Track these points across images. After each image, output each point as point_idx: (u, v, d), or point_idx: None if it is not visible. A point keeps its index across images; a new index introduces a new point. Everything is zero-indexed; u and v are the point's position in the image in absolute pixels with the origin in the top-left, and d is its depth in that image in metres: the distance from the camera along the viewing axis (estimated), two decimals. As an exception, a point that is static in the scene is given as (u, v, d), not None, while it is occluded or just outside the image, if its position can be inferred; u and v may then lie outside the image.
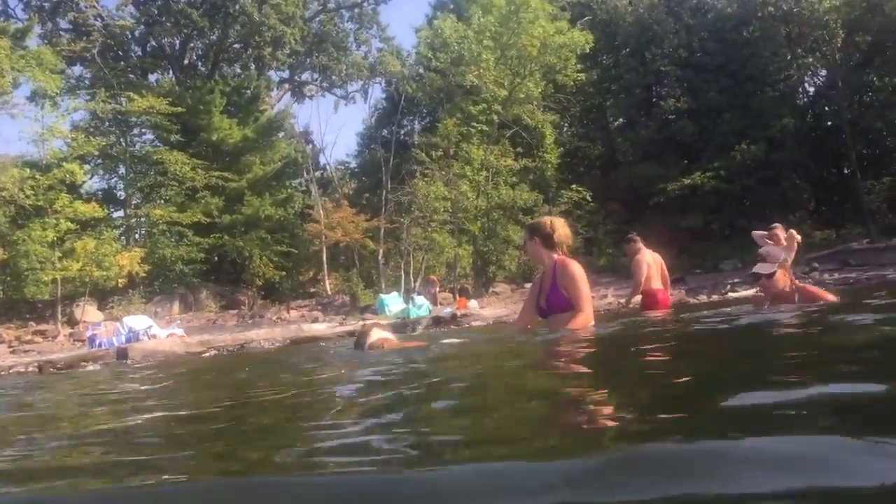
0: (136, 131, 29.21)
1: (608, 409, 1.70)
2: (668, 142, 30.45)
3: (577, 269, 4.27)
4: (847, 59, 29.75)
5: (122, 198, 29.60)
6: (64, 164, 22.30)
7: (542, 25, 27.20)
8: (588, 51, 28.66)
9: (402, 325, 12.42)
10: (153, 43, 34.32)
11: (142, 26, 33.44)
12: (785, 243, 8.49)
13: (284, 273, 29.16)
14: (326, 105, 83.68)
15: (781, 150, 28.12)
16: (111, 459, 1.79)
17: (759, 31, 30.45)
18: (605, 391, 2.08)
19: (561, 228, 4.46)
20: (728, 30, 30.84)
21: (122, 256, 22.42)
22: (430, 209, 25.38)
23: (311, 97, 40.80)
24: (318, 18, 38.33)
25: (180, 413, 2.99)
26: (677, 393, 1.75)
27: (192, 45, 35.24)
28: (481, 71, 27.15)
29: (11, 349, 16.77)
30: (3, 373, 11.17)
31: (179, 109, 26.16)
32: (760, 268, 5.22)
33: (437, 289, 20.59)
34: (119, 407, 3.54)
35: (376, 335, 4.63)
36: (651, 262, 8.33)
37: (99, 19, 32.58)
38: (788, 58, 31.23)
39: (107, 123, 27.66)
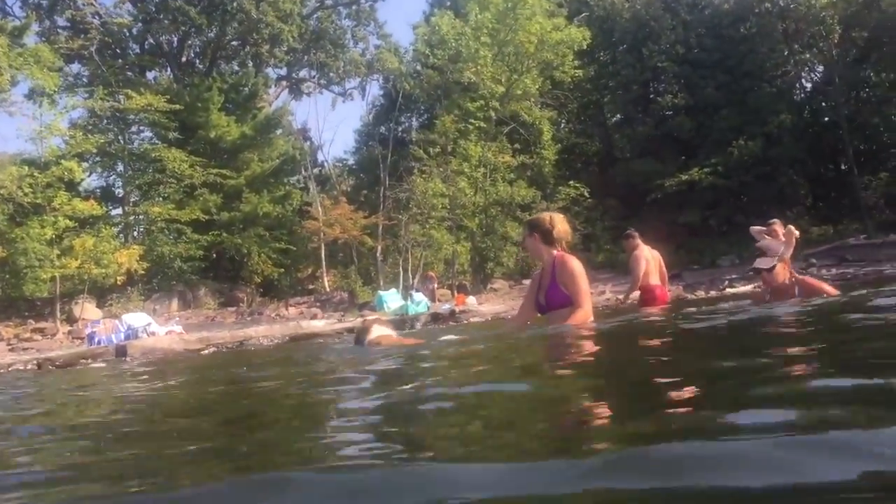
0: (134, 129, 29.21)
1: (608, 409, 1.69)
2: (665, 138, 30.46)
3: (576, 265, 4.27)
4: (844, 54, 29.76)
5: (120, 195, 29.58)
6: (62, 161, 22.23)
7: (539, 22, 27.19)
8: (585, 47, 28.64)
9: (401, 322, 12.43)
10: (151, 40, 34.27)
11: (139, 24, 33.38)
12: (783, 239, 8.50)
13: (283, 270, 29.16)
14: (324, 102, 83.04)
15: (778, 146, 28.15)
16: (108, 457, 1.79)
17: (756, 28, 30.47)
18: (604, 389, 2.09)
19: (560, 224, 4.46)
20: (725, 26, 30.83)
21: (121, 254, 22.38)
22: (428, 206, 25.38)
23: (308, 94, 40.82)
24: (315, 15, 38.30)
25: (178, 411, 3.00)
26: (677, 392, 1.76)
27: (189, 42, 35.17)
28: (479, 67, 27.13)
29: (10, 347, 16.77)
30: (1, 371, 11.18)
31: (177, 107, 26.10)
32: (760, 262, 5.24)
33: (436, 285, 20.62)
34: (119, 405, 3.55)
35: (377, 332, 4.64)
36: (649, 258, 8.35)
37: (97, 17, 32.51)
38: (785, 54, 31.24)
39: (105, 121, 27.60)
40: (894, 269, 15.65)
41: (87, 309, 21.64)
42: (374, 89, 46.19)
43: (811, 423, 1.22)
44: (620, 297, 11.26)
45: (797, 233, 8.68)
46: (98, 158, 27.81)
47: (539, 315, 4.52)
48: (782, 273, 5.11)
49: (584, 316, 4.15)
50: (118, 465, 1.62)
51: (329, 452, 1.51)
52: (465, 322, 13.15)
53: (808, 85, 33.16)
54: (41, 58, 22.92)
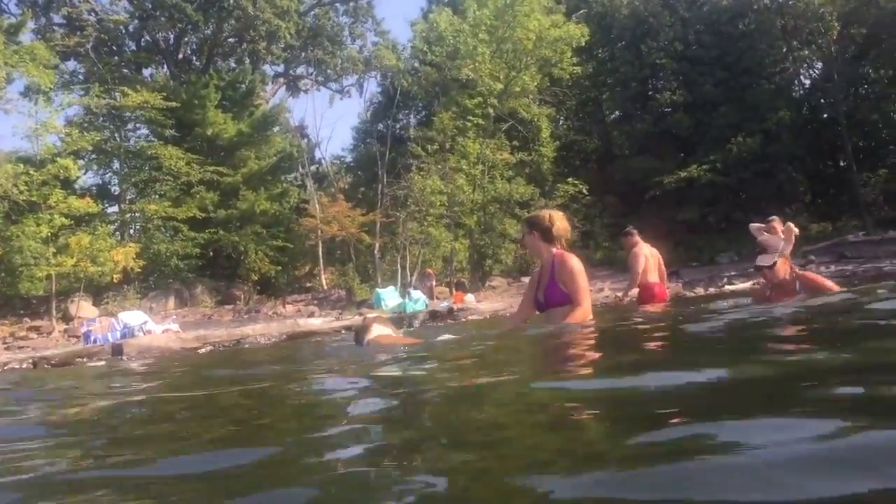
0: (130, 126, 29.11)
1: (607, 408, 1.67)
2: (664, 135, 30.47)
3: (575, 263, 4.25)
4: (842, 51, 29.79)
5: (116, 193, 29.50)
6: (58, 159, 22.18)
7: (537, 18, 27.19)
8: (584, 44, 28.67)
9: (399, 320, 12.40)
10: (147, 37, 34.21)
11: (136, 21, 33.32)
12: (783, 236, 8.48)
13: (280, 268, 29.12)
14: (321, 99, 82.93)
15: (777, 142, 28.18)
16: (105, 462, 1.75)
17: (755, 24, 30.48)
18: (604, 388, 2.05)
19: (560, 222, 4.44)
20: (724, 22, 30.85)
21: (117, 252, 22.34)
22: (426, 203, 25.36)
23: (306, 91, 40.78)
24: (312, 12, 38.25)
25: (173, 411, 2.96)
26: (677, 391, 1.72)
27: (186, 39, 35.13)
28: (477, 64, 27.12)
29: (6, 345, 16.71)
30: (-3, 369, 11.13)
31: (174, 104, 26.02)
32: (762, 260, 5.30)
33: (434, 283, 20.65)
34: (114, 404, 3.51)
35: (377, 331, 4.60)
36: (648, 256, 8.33)
37: (93, 14, 32.48)
38: (784, 50, 31.26)
39: (101, 118, 27.53)
40: (893, 266, 15.64)
41: (83, 307, 21.57)
42: (372, 86, 46.40)
43: (820, 436, 1.17)
44: (619, 294, 11.23)
45: (796, 229, 8.65)
46: (94, 156, 27.75)
47: (538, 313, 4.49)
48: (783, 269, 5.17)
49: (583, 314, 4.13)
50: (112, 467, 1.59)
51: (328, 451, 1.48)
52: (464, 320, 13.14)
53: (807, 81, 33.28)
54: (37, 55, 22.85)
